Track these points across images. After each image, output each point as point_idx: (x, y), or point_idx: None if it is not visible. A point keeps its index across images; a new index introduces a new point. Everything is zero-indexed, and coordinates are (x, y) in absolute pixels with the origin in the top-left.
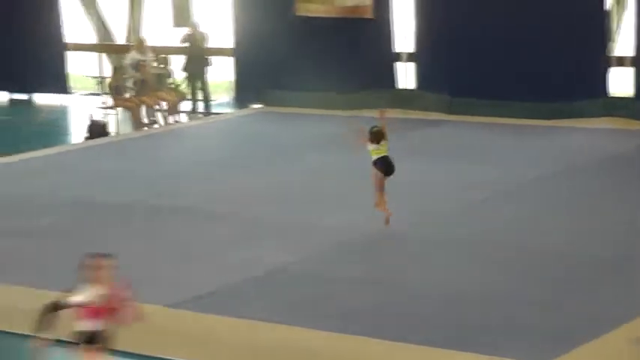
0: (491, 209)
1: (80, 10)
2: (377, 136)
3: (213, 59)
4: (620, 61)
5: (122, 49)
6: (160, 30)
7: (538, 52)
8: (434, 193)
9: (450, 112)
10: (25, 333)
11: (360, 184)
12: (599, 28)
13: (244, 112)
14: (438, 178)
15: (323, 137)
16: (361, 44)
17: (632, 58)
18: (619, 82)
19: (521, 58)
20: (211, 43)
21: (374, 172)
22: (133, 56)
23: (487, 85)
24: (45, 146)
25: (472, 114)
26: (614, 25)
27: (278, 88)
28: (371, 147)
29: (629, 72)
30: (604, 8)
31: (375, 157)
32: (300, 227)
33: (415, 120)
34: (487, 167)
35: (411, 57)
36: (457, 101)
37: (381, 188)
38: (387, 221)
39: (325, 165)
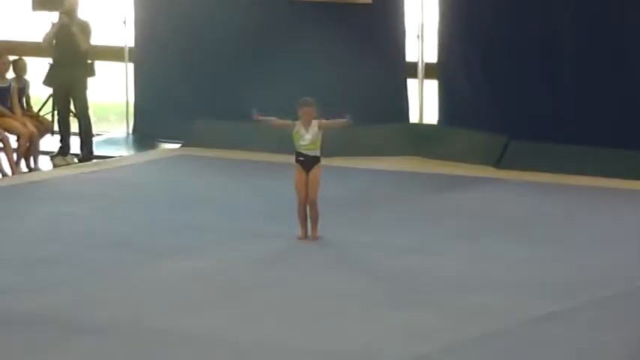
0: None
1: None
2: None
3: (98, 66)
4: None
5: None
6: (10, 15)
7: None
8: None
9: (500, 164)
10: None
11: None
12: None
13: (150, 156)
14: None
15: (280, 205)
16: (349, 47)
17: None
18: None
19: (623, 81)
20: (95, 39)
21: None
22: None
23: (568, 123)
24: None
25: (536, 168)
26: None
27: (208, 116)
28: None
29: None
30: None
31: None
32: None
33: (437, 177)
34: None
35: (431, 70)
36: (514, 147)
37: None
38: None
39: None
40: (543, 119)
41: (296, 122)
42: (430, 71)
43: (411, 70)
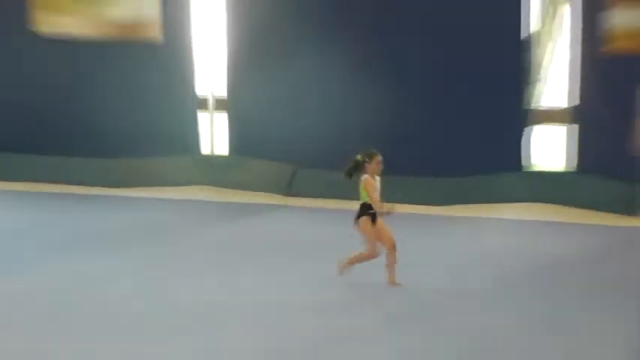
0: None
1: None
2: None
3: None
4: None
5: None
6: None
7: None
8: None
9: (290, 192)
10: None
11: None
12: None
13: None
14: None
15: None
16: (141, 82)
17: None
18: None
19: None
20: None
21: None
22: None
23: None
24: None
25: (325, 195)
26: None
27: None
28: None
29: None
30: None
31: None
32: None
33: (231, 206)
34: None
35: (222, 104)
36: (302, 176)
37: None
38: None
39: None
40: (328, 148)
41: (369, 178)
42: (220, 105)
43: (202, 104)
